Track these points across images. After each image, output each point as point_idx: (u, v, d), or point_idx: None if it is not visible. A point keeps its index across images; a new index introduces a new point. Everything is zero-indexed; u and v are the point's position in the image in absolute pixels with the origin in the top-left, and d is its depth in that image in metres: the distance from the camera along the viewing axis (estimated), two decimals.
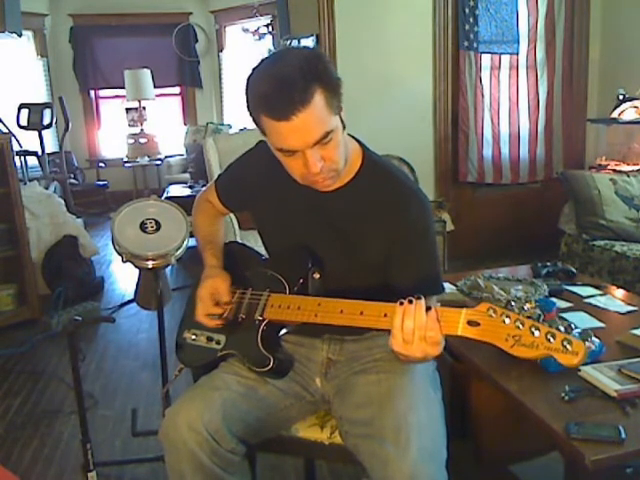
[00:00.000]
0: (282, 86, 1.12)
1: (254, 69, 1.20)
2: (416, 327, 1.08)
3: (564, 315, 1.80)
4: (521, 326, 0.99)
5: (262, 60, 1.22)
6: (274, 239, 1.49)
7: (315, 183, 1.26)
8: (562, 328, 1.00)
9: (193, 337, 1.46)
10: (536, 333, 0.98)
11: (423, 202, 1.34)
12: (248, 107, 1.21)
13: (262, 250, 1.55)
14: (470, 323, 1.03)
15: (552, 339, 0.97)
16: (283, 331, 1.40)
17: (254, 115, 1.20)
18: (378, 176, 1.34)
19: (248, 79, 1.20)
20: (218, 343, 1.42)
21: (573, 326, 1.51)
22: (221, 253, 1.53)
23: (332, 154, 1.21)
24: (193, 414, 1.26)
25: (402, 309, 1.10)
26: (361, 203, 1.33)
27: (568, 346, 0.95)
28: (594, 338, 1.54)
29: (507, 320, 1.00)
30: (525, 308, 1.57)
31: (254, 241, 1.59)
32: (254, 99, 1.18)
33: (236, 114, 7.22)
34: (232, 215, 3.35)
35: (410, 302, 1.09)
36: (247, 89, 1.20)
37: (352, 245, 1.34)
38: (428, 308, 1.08)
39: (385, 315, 1.14)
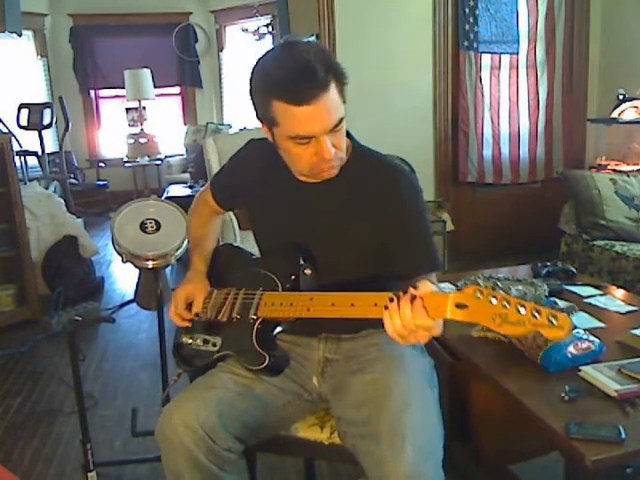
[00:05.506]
0: (304, 71, 1.15)
1: (261, 59, 1.23)
2: (404, 323, 1.07)
3: None
4: (507, 305, 0.99)
5: (268, 51, 1.25)
6: (267, 236, 1.50)
7: (322, 172, 1.28)
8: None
9: (190, 341, 1.48)
10: (522, 311, 0.98)
11: (412, 182, 1.37)
12: (257, 96, 1.23)
13: (256, 250, 1.56)
14: (458, 306, 1.03)
15: (538, 315, 0.97)
16: (278, 329, 1.40)
17: (265, 104, 1.21)
18: (366, 163, 1.37)
19: (255, 69, 1.22)
20: (214, 345, 1.43)
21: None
22: (208, 258, 1.55)
23: (340, 142, 1.26)
24: (188, 413, 1.26)
25: (388, 312, 1.09)
26: (352, 192, 1.35)
27: (554, 320, 0.96)
28: (593, 337, 1.54)
29: (494, 300, 1.00)
30: (512, 290, 1.58)
31: (254, 241, 1.59)
32: (268, 86, 1.19)
33: (236, 114, 7.22)
34: (232, 216, 3.35)
35: (392, 301, 1.09)
36: (256, 78, 1.22)
37: (345, 235, 1.36)
38: (413, 297, 1.08)
39: (375, 304, 1.14)
